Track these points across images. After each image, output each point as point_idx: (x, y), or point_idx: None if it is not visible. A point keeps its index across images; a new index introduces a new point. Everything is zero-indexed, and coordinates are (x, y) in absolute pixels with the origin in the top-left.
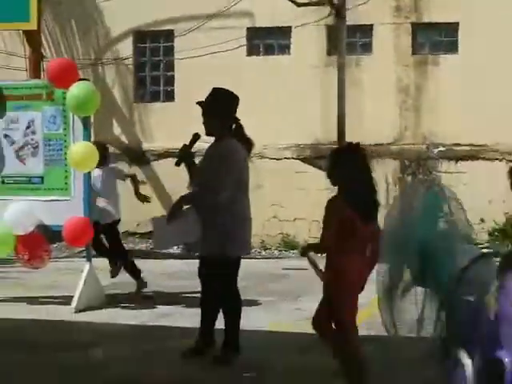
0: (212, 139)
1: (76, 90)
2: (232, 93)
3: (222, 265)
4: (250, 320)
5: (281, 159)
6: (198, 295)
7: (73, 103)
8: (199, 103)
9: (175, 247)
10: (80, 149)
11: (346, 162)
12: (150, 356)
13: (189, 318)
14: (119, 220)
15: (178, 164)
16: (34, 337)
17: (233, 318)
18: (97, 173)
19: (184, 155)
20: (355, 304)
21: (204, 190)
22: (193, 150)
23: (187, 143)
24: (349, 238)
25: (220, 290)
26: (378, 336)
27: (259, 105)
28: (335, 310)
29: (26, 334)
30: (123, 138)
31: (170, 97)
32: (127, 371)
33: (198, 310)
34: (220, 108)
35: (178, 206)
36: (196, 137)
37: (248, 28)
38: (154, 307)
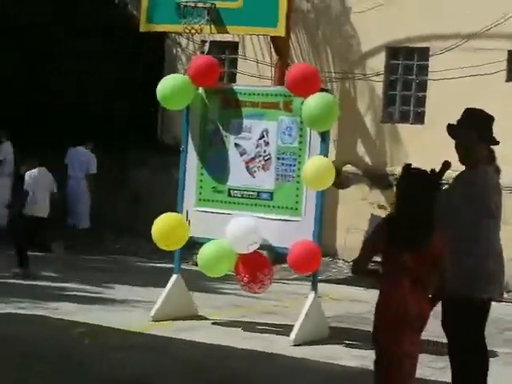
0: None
1: (313, 100)
2: (488, 114)
3: (465, 308)
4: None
5: None
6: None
7: (309, 115)
8: (450, 126)
9: None
10: (315, 164)
11: None
12: None
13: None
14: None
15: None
16: (242, 369)
17: (473, 376)
18: None
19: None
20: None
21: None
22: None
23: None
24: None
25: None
26: None
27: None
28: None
29: (236, 363)
30: (367, 159)
31: (419, 119)
32: None
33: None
34: (486, 133)
35: None
36: (447, 165)
37: (509, 51)
38: None
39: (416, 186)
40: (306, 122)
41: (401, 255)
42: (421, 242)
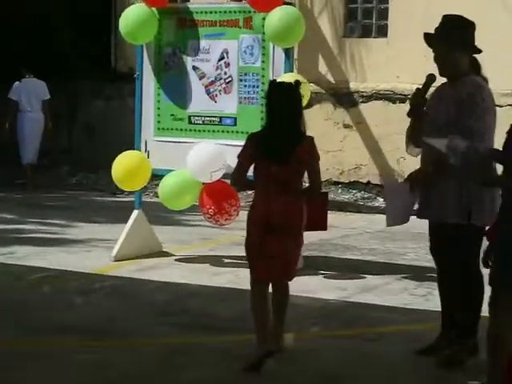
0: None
1: (278, 14)
2: (468, 19)
3: (463, 232)
4: None
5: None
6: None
7: (273, 30)
8: (427, 36)
9: None
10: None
11: None
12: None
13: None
14: None
15: (409, 114)
16: (212, 309)
17: (469, 301)
18: None
19: (419, 102)
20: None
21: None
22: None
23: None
24: None
25: (458, 264)
26: None
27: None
28: None
29: (205, 302)
30: (329, 77)
31: (382, 32)
32: None
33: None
34: (458, 39)
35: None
36: (431, 79)
37: None
38: (359, 277)
39: (278, 99)
40: (271, 38)
41: (269, 167)
42: (287, 154)
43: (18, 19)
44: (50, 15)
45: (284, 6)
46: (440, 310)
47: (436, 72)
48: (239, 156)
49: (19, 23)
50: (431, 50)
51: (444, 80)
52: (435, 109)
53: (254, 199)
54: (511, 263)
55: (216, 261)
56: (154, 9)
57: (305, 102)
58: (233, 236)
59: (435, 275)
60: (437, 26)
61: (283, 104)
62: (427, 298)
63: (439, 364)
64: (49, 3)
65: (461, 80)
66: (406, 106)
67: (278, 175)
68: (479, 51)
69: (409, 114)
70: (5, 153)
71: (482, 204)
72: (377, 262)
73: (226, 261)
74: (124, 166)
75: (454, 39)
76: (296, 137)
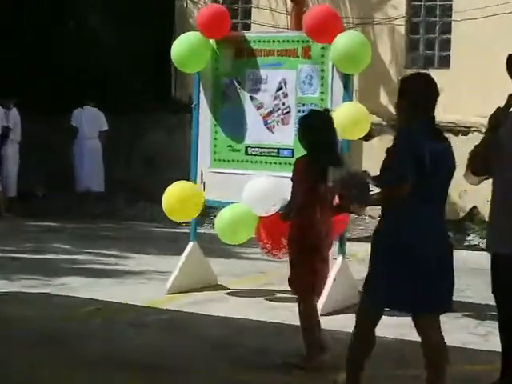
0: None
1: (344, 39)
2: None
3: None
4: None
5: None
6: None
7: (338, 54)
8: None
9: None
10: (348, 112)
11: None
12: None
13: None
14: None
15: (487, 132)
16: (268, 344)
17: None
18: None
19: (496, 121)
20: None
21: None
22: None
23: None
24: None
25: None
26: None
27: None
28: None
29: (260, 338)
30: (391, 108)
31: (445, 63)
32: None
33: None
34: None
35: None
36: None
37: None
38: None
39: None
40: (337, 63)
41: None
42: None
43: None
44: (113, 45)
45: (351, 31)
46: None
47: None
48: None
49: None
50: None
51: None
52: (509, 136)
53: None
54: None
55: (271, 295)
56: (211, 40)
57: (365, 131)
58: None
59: (494, 313)
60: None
61: None
62: (486, 338)
63: None
64: (112, 34)
65: None
66: (466, 138)
67: None
68: None
69: (486, 132)
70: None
71: None
72: None
73: (281, 295)
74: (174, 197)
75: None
76: None
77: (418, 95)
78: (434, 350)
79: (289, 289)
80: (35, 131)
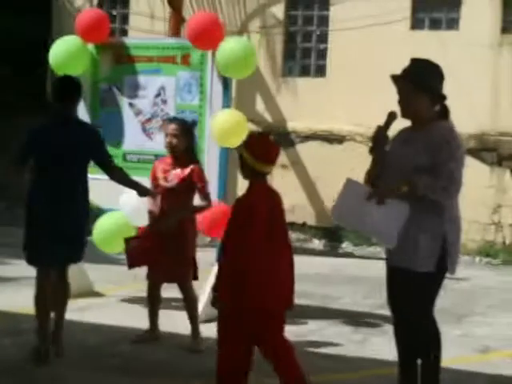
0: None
1: (232, 44)
2: (438, 65)
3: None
4: None
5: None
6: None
7: (225, 59)
8: (394, 77)
9: None
10: (227, 119)
11: None
12: None
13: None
14: None
15: (371, 151)
16: (142, 352)
17: (428, 358)
18: None
19: (381, 140)
20: None
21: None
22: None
23: (381, 124)
24: None
25: (411, 315)
26: None
27: None
28: None
29: (136, 346)
30: (267, 116)
31: (321, 72)
32: None
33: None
34: (430, 83)
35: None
36: (392, 116)
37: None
38: (295, 323)
39: None
40: (222, 69)
41: None
42: None
43: None
44: None
45: (236, 37)
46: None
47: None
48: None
49: None
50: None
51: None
52: (400, 152)
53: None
54: None
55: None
56: (89, 44)
57: (241, 139)
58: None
59: (372, 321)
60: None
61: None
62: (364, 344)
63: None
64: None
65: (432, 125)
66: (341, 147)
67: None
68: (444, 97)
69: (371, 151)
70: None
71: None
72: (312, 306)
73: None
74: None
75: (419, 81)
76: None
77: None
78: None
79: (165, 295)
80: None
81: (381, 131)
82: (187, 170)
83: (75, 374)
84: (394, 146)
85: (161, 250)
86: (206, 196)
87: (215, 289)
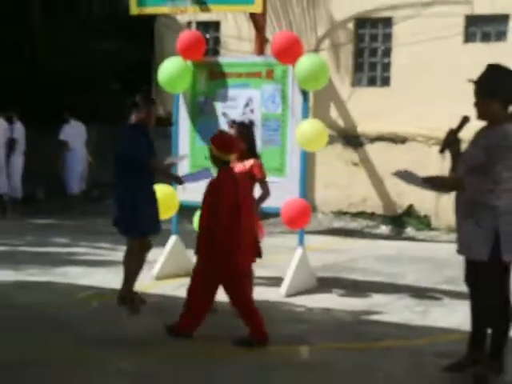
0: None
1: (308, 60)
2: (508, 70)
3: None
4: None
5: None
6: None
7: (302, 73)
8: (472, 82)
9: None
10: (312, 127)
11: None
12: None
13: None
14: None
15: (442, 151)
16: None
17: (498, 336)
18: None
19: (450, 141)
20: None
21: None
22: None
23: (454, 128)
24: None
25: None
26: None
27: None
28: None
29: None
30: (339, 121)
31: (386, 82)
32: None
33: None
34: (500, 87)
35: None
36: (465, 120)
37: (466, 15)
38: (367, 296)
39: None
40: (301, 82)
41: None
42: None
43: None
44: (98, 68)
45: (311, 53)
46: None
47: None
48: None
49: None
50: None
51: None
52: (469, 151)
53: None
54: None
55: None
56: (188, 62)
57: (324, 144)
58: None
59: (433, 295)
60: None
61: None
62: (426, 315)
63: (465, 381)
64: (96, 58)
65: (499, 126)
66: (405, 147)
67: None
68: None
69: (441, 151)
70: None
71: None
72: (381, 283)
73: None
74: None
75: (491, 86)
76: None
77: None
78: None
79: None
80: (34, 142)
81: (451, 133)
82: (248, 164)
83: (180, 341)
84: (468, 145)
85: None
86: (264, 186)
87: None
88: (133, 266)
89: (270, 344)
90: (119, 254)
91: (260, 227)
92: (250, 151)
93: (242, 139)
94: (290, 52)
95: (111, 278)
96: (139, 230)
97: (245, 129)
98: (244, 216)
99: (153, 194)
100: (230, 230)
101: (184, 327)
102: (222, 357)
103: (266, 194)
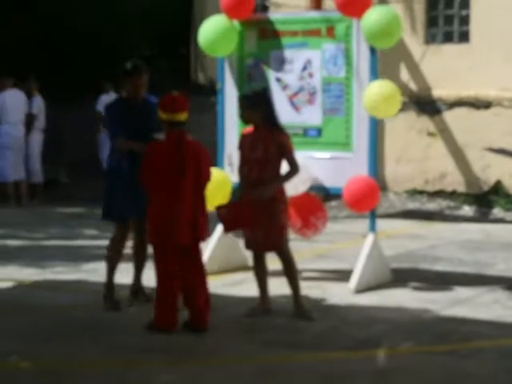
0: None
1: (378, 12)
2: None
3: None
4: None
5: None
6: None
7: (373, 29)
8: None
9: None
10: (379, 90)
11: None
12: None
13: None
14: None
15: None
16: (301, 325)
17: None
18: None
19: None
20: None
21: None
22: None
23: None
24: None
25: None
26: None
27: None
28: None
29: (293, 318)
30: (411, 85)
31: (465, 37)
32: None
33: None
34: None
35: None
36: None
37: None
38: (450, 289)
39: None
40: (369, 38)
41: None
42: None
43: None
44: (126, 28)
45: (381, 5)
46: None
47: None
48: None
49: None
50: None
51: None
52: None
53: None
54: None
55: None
56: (234, 20)
57: (397, 109)
58: (317, 248)
59: None
60: None
61: None
62: None
63: None
64: (125, 17)
65: None
66: (489, 113)
67: None
68: None
69: None
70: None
71: None
72: (467, 273)
73: (311, 274)
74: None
75: None
76: None
77: None
78: None
79: (316, 267)
80: (57, 117)
81: None
82: (272, 139)
83: (231, 347)
84: None
85: (254, 218)
86: (292, 163)
87: None
88: (109, 253)
89: (340, 348)
90: None
91: (321, 209)
92: (269, 123)
93: (251, 112)
94: (356, 3)
95: (146, 275)
96: (107, 213)
97: (257, 99)
98: (187, 187)
99: (128, 175)
100: (166, 195)
101: (159, 320)
102: (276, 362)
103: (295, 169)
